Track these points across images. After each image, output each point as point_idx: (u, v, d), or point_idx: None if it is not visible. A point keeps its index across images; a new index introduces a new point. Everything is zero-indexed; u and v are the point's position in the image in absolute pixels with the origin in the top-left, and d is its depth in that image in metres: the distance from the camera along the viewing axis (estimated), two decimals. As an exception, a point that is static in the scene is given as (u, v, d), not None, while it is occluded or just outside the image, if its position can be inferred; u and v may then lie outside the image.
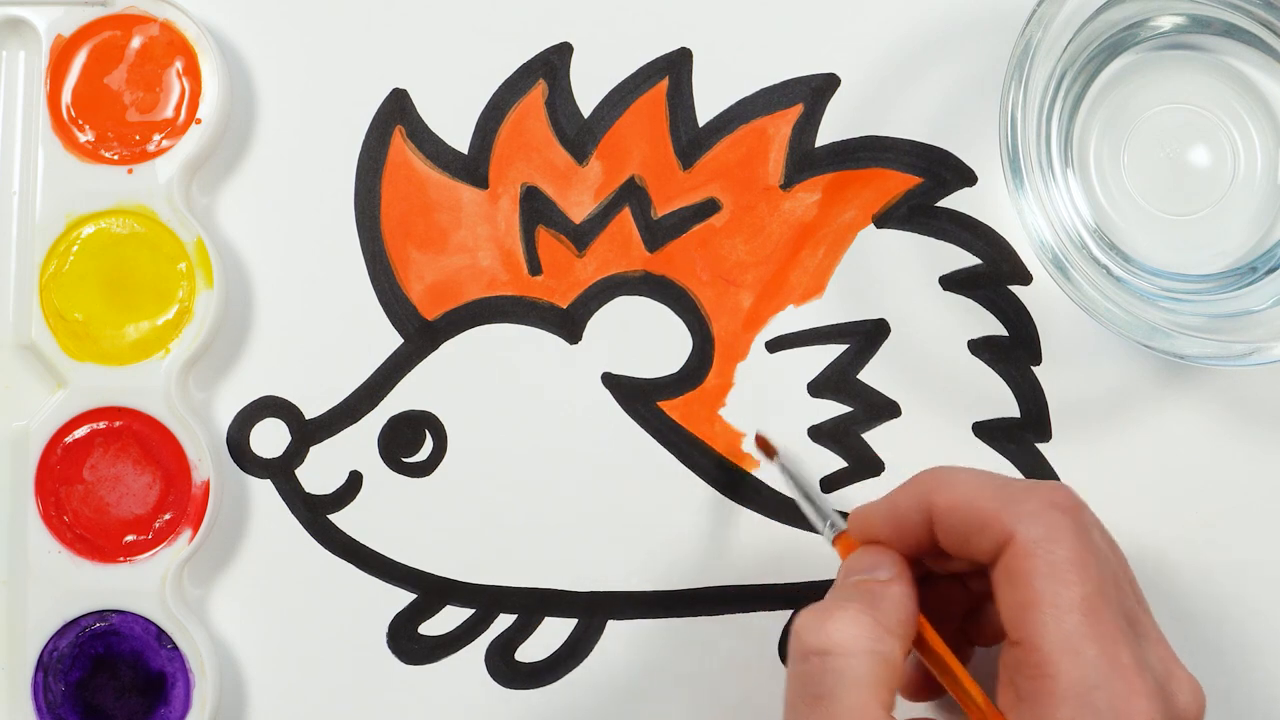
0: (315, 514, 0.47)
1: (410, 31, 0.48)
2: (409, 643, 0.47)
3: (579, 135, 0.48)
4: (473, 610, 0.47)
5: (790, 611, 0.47)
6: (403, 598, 0.47)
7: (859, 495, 0.47)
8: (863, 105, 0.48)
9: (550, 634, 0.47)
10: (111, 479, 0.46)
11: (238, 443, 0.47)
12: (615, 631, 0.47)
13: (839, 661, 0.36)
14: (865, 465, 0.47)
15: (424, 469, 0.47)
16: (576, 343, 0.48)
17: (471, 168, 0.48)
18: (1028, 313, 0.47)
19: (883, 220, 0.48)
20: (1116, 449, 0.47)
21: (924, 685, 0.42)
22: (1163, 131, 0.46)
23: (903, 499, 0.39)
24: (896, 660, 0.37)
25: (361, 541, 0.47)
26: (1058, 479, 0.47)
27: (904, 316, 0.47)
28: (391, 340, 0.48)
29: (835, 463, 0.47)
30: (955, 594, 0.41)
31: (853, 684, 0.36)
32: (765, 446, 0.46)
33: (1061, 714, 0.34)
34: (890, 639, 0.37)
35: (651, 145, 0.48)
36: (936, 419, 0.47)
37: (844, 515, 0.42)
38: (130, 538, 0.46)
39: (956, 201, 0.48)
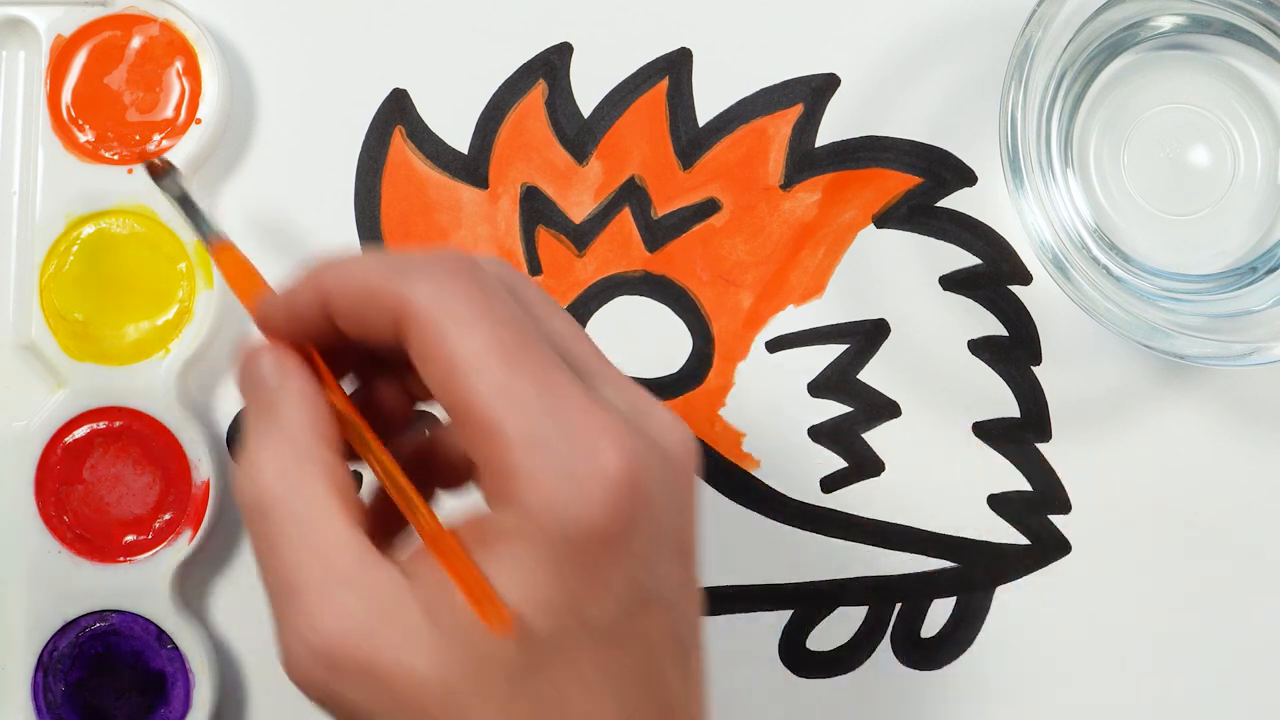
0: (315, 514, 0.47)
1: (410, 31, 0.48)
2: (409, 643, 0.47)
3: (579, 135, 0.48)
4: (473, 610, 0.47)
5: (790, 612, 0.47)
6: (403, 598, 0.47)
7: (859, 495, 0.47)
8: (863, 105, 0.48)
9: (550, 634, 0.47)
10: (111, 479, 0.46)
11: (238, 443, 0.47)
12: (615, 631, 0.47)
13: (275, 510, 0.32)
14: (865, 465, 0.47)
15: (424, 469, 0.47)
16: (576, 343, 0.48)
17: (471, 168, 0.48)
18: (1028, 313, 0.47)
19: (883, 220, 0.48)
20: (1116, 449, 0.47)
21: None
22: (1163, 131, 0.46)
23: (299, 287, 0.34)
24: (331, 464, 0.33)
25: (361, 541, 0.47)
26: (1058, 479, 0.47)
27: (904, 316, 0.47)
28: (391, 340, 0.48)
29: (835, 463, 0.47)
30: (402, 404, 0.37)
31: (296, 521, 0.32)
32: (155, 166, 0.41)
33: (514, 460, 0.31)
34: (314, 450, 0.33)
35: (651, 145, 0.48)
36: (936, 419, 0.47)
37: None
38: (130, 538, 0.46)
39: (956, 201, 0.48)
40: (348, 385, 0.36)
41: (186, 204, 0.40)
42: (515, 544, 0.31)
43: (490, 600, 0.31)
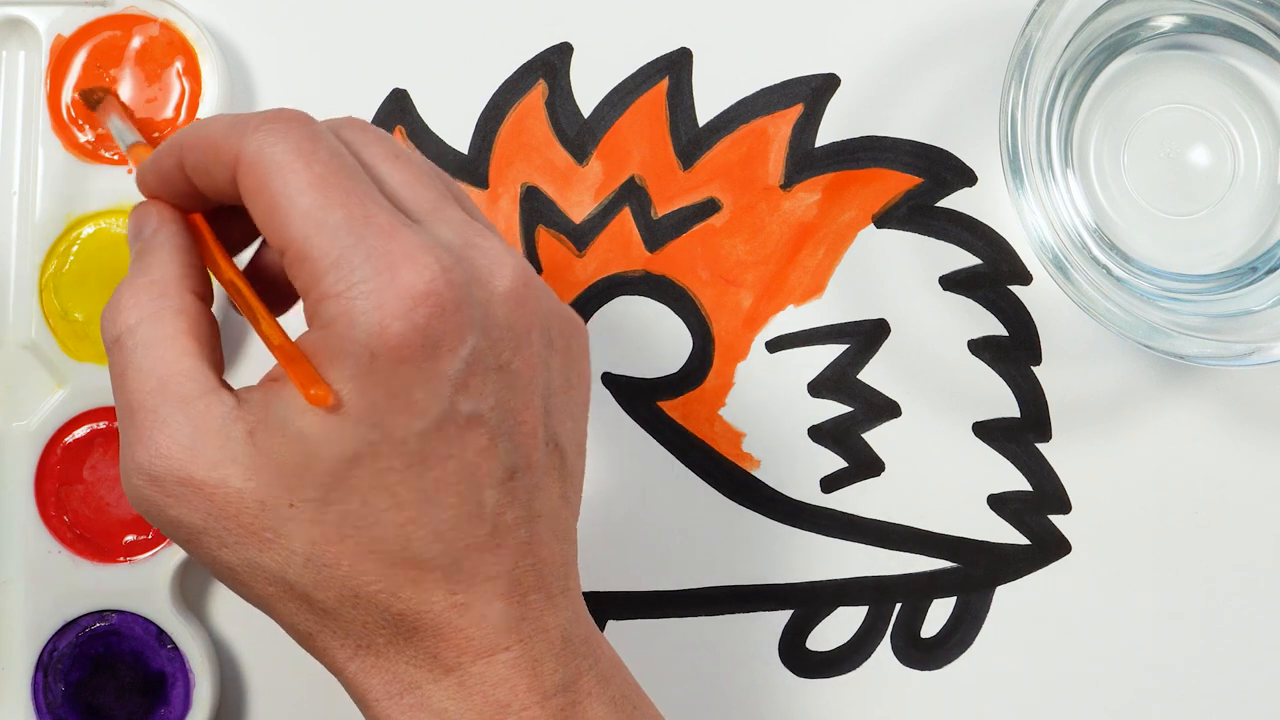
0: (315, 514, 0.47)
1: (410, 31, 0.48)
2: (409, 643, 0.47)
3: (579, 135, 0.48)
4: (473, 610, 0.47)
5: (790, 612, 0.47)
6: (403, 598, 0.47)
7: (859, 495, 0.47)
8: (863, 105, 0.48)
9: (550, 634, 0.47)
10: (111, 479, 0.46)
11: (238, 443, 0.47)
12: (615, 631, 0.47)
13: (128, 339, 0.35)
14: (865, 465, 0.47)
15: (424, 469, 0.47)
16: (576, 343, 0.48)
17: (471, 168, 0.48)
18: (1028, 313, 0.47)
19: (883, 220, 0.48)
20: (1116, 449, 0.47)
21: None
22: (1163, 131, 0.46)
23: (163, 149, 0.37)
24: (189, 306, 0.36)
25: (361, 541, 0.47)
26: (1058, 479, 0.47)
27: (904, 316, 0.47)
28: (391, 340, 0.47)
29: (835, 463, 0.47)
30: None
31: (145, 349, 0.35)
32: (89, 96, 0.45)
33: (324, 283, 0.33)
34: (173, 290, 0.36)
35: (651, 145, 0.48)
36: (936, 419, 0.47)
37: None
38: (130, 538, 0.46)
39: (956, 201, 0.48)
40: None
41: (115, 125, 0.43)
42: (323, 358, 0.33)
43: (315, 380, 0.33)
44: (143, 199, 0.38)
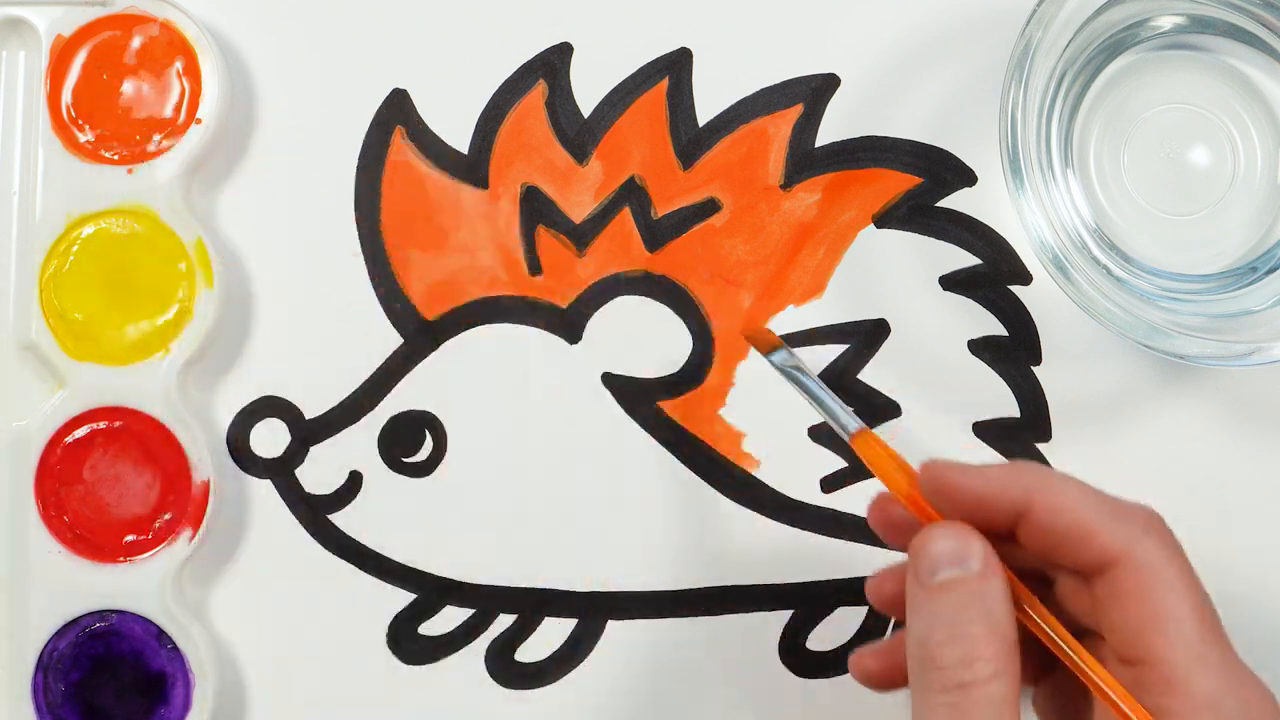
0: (315, 514, 0.47)
1: (410, 31, 0.48)
2: (409, 643, 0.47)
3: (579, 135, 0.48)
4: (473, 610, 0.47)
5: (790, 612, 0.47)
6: (403, 598, 0.47)
7: (859, 495, 0.47)
8: (863, 105, 0.48)
9: (550, 634, 0.47)
10: (111, 479, 0.46)
11: (238, 443, 0.47)
12: (615, 631, 0.47)
13: (979, 690, 0.35)
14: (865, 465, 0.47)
15: (424, 469, 0.47)
16: (576, 343, 0.48)
17: (471, 168, 0.48)
18: (1028, 313, 0.47)
19: (883, 220, 0.48)
20: (1116, 449, 0.47)
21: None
22: (1163, 131, 0.46)
23: (997, 480, 0.37)
24: (1017, 671, 0.36)
25: (361, 541, 0.47)
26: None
27: (904, 316, 0.47)
28: (391, 340, 0.48)
29: (835, 463, 0.47)
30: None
31: (995, 710, 0.35)
32: (761, 338, 0.45)
33: (1193, 716, 0.35)
34: (1015, 652, 0.36)
35: (651, 145, 0.48)
36: (936, 419, 0.47)
37: (856, 414, 0.41)
38: (130, 538, 0.46)
39: (956, 201, 0.48)
40: None
41: (811, 384, 0.42)
42: None
43: None
44: (935, 514, 0.38)
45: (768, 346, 0.43)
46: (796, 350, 0.47)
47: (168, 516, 0.46)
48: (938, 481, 0.37)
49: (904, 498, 0.38)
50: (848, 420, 0.40)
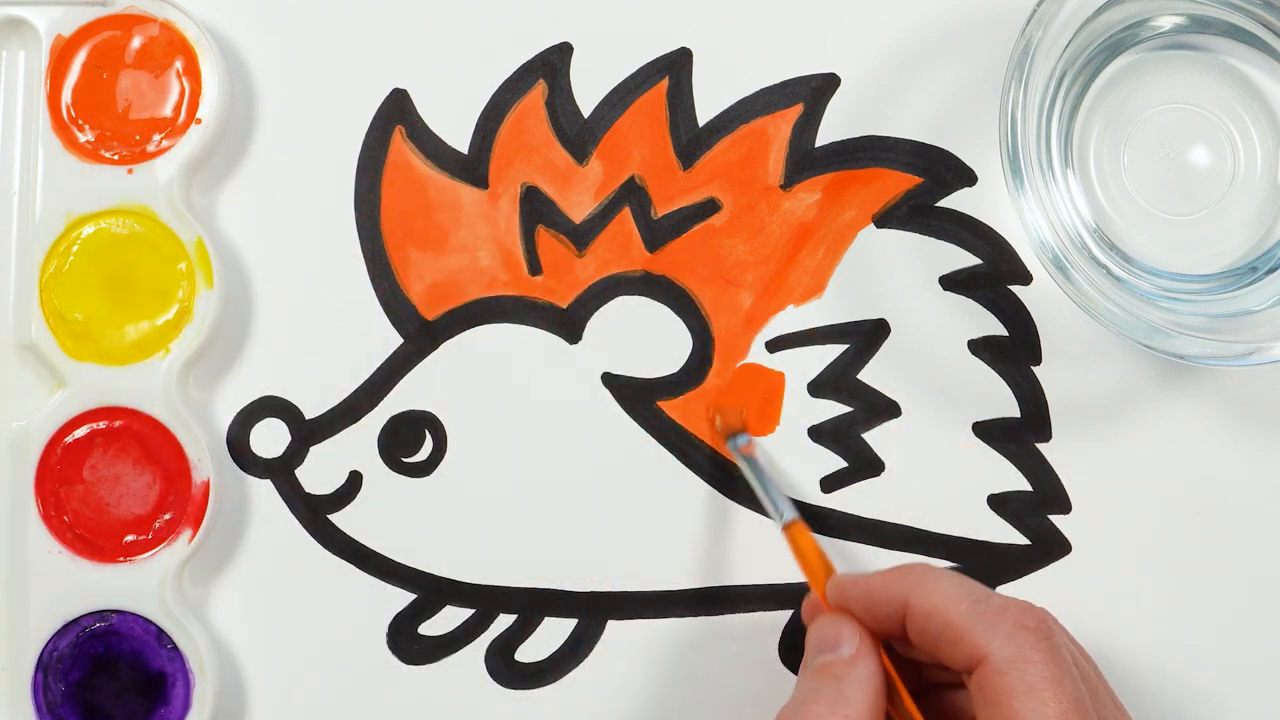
0: (315, 514, 0.47)
1: (410, 31, 0.48)
2: (409, 643, 0.47)
3: (579, 135, 0.48)
4: (473, 610, 0.47)
5: (790, 612, 0.47)
6: (403, 598, 0.47)
7: (859, 495, 0.47)
8: (863, 105, 0.48)
9: (550, 634, 0.47)
10: (111, 479, 0.46)
11: (238, 443, 0.47)
12: (615, 631, 0.47)
13: None
14: (865, 465, 0.47)
15: (424, 469, 0.47)
16: (576, 343, 0.48)
17: (471, 168, 0.48)
18: (1028, 313, 0.47)
19: (883, 220, 0.48)
20: (1116, 449, 0.47)
21: None
22: (1163, 131, 0.46)
23: (880, 587, 0.39)
24: None
25: (361, 541, 0.47)
26: (1058, 479, 0.47)
27: (904, 316, 0.47)
28: (391, 340, 0.48)
29: (835, 463, 0.47)
30: (909, 674, 0.42)
31: None
32: (729, 417, 0.47)
33: None
34: None
35: (651, 145, 0.48)
36: (936, 419, 0.47)
37: (796, 504, 0.44)
38: (130, 538, 0.46)
39: (956, 201, 0.48)
40: None
41: (758, 473, 0.45)
42: None
43: None
44: (828, 606, 0.41)
45: (729, 430, 0.46)
46: (796, 350, 0.47)
47: (168, 516, 0.46)
48: (838, 585, 0.41)
49: (817, 588, 0.42)
50: (785, 510, 0.44)
